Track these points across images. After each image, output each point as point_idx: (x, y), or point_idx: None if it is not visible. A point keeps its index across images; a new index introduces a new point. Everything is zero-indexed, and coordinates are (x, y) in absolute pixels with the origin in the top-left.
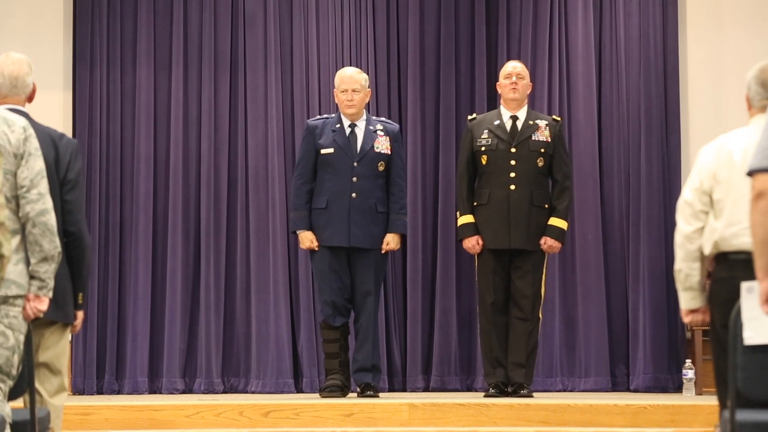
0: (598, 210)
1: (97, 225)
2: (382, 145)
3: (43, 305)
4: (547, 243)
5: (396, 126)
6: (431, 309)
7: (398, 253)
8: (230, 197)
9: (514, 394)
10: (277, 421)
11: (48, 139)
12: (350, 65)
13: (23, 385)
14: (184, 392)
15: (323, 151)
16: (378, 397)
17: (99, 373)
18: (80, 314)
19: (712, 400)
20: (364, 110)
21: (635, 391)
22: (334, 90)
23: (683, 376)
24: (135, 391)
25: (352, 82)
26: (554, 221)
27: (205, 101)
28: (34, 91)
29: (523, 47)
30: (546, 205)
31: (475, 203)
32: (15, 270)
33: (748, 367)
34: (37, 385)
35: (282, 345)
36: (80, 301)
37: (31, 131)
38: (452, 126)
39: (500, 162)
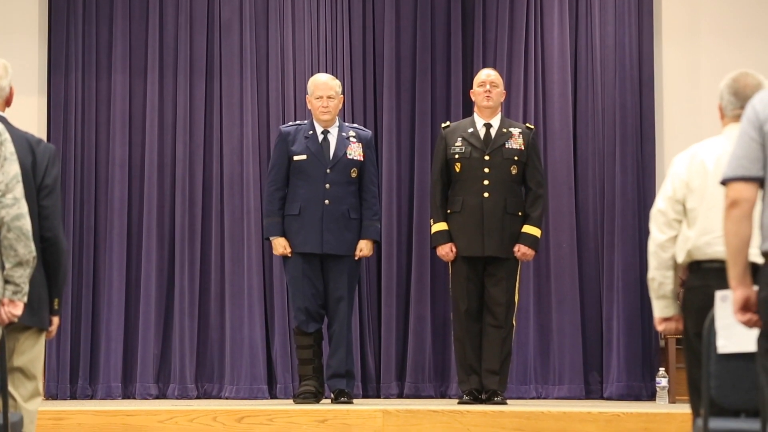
0: (572, 218)
1: (72, 230)
2: (355, 151)
3: (18, 310)
4: (521, 250)
5: (368, 132)
6: (405, 316)
7: (373, 259)
8: (205, 203)
9: (488, 401)
10: (251, 427)
11: (25, 144)
12: (326, 72)
13: None
14: (157, 397)
15: (296, 158)
16: (352, 403)
17: (72, 378)
18: (56, 320)
19: (686, 409)
20: (337, 117)
21: (609, 398)
22: (307, 96)
23: (656, 384)
24: (108, 396)
25: (327, 88)
26: (528, 229)
27: (181, 107)
28: (11, 95)
29: (498, 55)
30: (520, 213)
31: (448, 210)
32: None
33: (721, 375)
34: (11, 389)
35: (256, 351)
36: (56, 307)
37: (6, 136)
38: (427, 133)
39: (474, 170)
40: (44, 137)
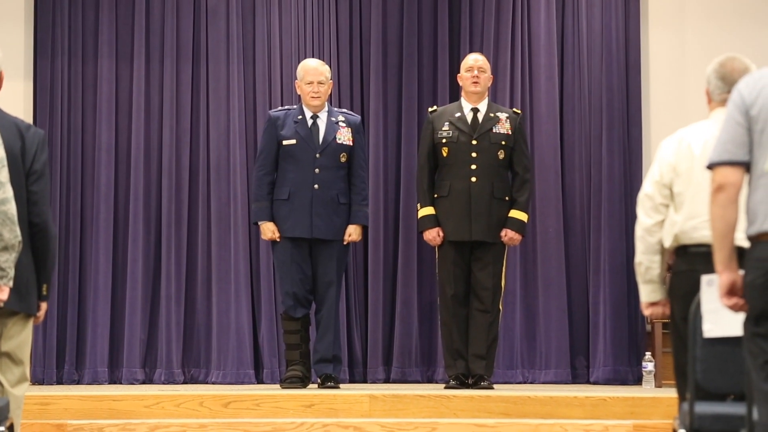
0: (559, 203)
1: (58, 214)
2: (344, 136)
3: (3, 294)
4: (508, 235)
5: (357, 117)
6: (392, 300)
7: (360, 244)
8: (192, 188)
9: (475, 385)
10: (238, 412)
11: (14, 129)
12: (313, 57)
13: None
14: (144, 382)
15: (285, 143)
16: (339, 388)
17: (59, 363)
18: (44, 305)
19: (672, 393)
20: (326, 102)
21: (595, 383)
22: (297, 81)
23: (643, 369)
24: (95, 381)
25: (317, 74)
26: (515, 213)
27: (167, 92)
28: (1, 80)
29: (485, 40)
30: (507, 198)
31: (435, 195)
32: None
33: (707, 359)
34: None
35: (243, 336)
36: (44, 293)
37: None
38: (414, 118)
39: (461, 154)
40: (31, 122)
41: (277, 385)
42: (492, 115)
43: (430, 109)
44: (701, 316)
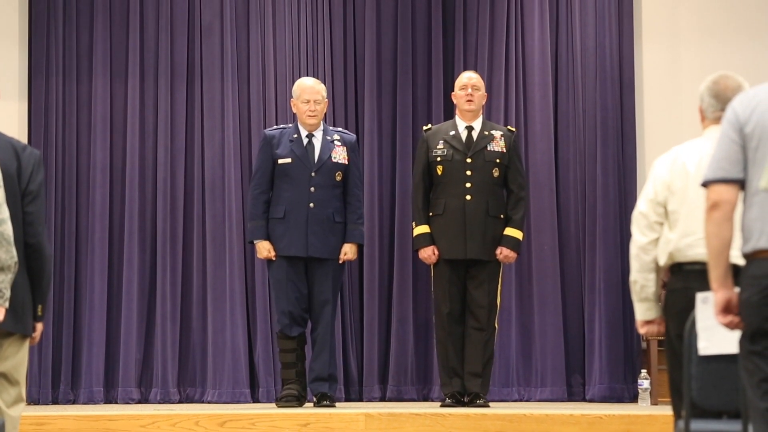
0: (554, 220)
1: (53, 234)
2: (340, 155)
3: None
4: (503, 253)
5: (353, 136)
6: (388, 318)
7: (355, 262)
8: (186, 207)
9: (471, 404)
10: (234, 431)
11: (10, 149)
12: (307, 75)
13: None
14: (139, 402)
15: (281, 161)
16: (334, 406)
17: (54, 383)
18: (39, 326)
19: (667, 410)
20: (321, 121)
21: (591, 400)
22: (293, 100)
23: (639, 386)
24: (90, 400)
25: (314, 92)
26: (510, 231)
27: (162, 111)
28: None
29: (479, 58)
30: (502, 216)
31: (430, 213)
32: None
33: (703, 377)
34: None
35: (238, 355)
36: (40, 313)
37: None
38: (409, 136)
39: (456, 172)
40: (26, 142)
41: (273, 404)
42: (486, 133)
43: (424, 128)
44: (696, 333)
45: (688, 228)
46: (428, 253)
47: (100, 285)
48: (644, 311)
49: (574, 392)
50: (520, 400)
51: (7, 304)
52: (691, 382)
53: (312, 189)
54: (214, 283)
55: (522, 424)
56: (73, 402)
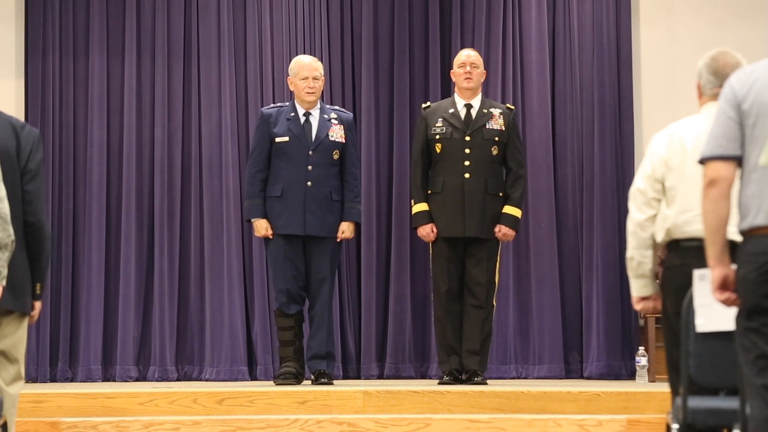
0: (551, 198)
1: (51, 212)
2: (337, 133)
3: None
4: (502, 231)
5: (350, 114)
6: (385, 296)
7: (353, 240)
8: (184, 185)
9: (468, 381)
10: (231, 409)
11: (9, 128)
12: (304, 53)
13: None
14: (137, 380)
15: (278, 140)
16: (332, 384)
17: (52, 361)
18: (38, 304)
19: (665, 387)
20: (319, 99)
21: (588, 378)
22: (290, 77)
23: (636, 364)
24: (88, 378)
25: (311, 69)
26: (508, 209)
27: (159, 89)
28: None
29: (476, 35)
30: (500, 194)
31: (429, 191)
32: None
33: (700, 354)
34: None
35: (236, 333)
36: (38, 292)
37: None
38: (406, 114)
39: (454, 150)
40: (23, 120)
41: (271, 382)
42: (485, 111)
43: (423, 105)
44: (694, 310)
45: (685, 204)
46: (427, 231)
47: (98, 263)
48: (640, 288)
49: (572, 369)
50: (518, 378)
51: (5, 282)
52: (689, 359)
53: (309, 167)
54: (211, 262)
55: (520, 402)
56: (71, 380)
